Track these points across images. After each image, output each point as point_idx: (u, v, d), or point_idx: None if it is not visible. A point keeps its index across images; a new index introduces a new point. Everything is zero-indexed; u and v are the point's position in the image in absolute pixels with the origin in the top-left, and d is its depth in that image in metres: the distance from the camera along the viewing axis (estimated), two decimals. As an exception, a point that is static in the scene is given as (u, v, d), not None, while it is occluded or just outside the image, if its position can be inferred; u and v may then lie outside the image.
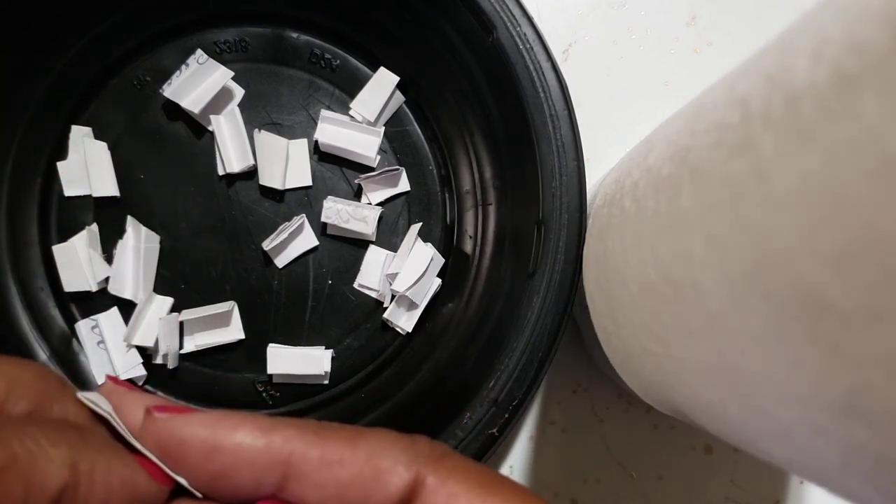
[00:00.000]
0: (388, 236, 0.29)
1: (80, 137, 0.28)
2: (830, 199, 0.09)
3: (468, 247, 0.29)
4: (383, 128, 0.29)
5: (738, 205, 0.11)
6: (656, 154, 0.17)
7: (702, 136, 0.14)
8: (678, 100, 0.25)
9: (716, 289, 0.12)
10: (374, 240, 0.29)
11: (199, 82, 0.28)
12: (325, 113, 0.28)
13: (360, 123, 0.29)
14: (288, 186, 0.28)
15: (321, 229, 0.29)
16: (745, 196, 0.11)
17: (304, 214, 0.28)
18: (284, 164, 0.28)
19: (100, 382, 0.24)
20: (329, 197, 0.28)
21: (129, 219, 0.28)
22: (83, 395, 0.15)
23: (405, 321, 0.28)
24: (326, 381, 0.28)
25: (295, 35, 0.29)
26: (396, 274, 0.27)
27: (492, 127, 0.27)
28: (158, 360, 0.27)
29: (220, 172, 0.28)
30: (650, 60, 0.31)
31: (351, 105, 0.29)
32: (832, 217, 0.09)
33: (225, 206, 0.29)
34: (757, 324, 0.11)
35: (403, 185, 0.29)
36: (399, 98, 0.29)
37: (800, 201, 0.09)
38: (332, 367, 0.28)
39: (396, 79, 0.29)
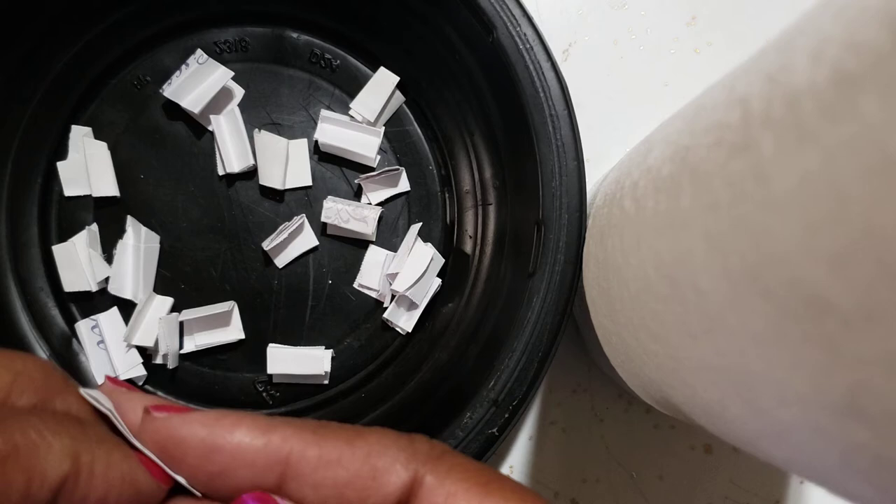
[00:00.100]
0: (388, 236, 0.29)
1: (80, 137, 0.28)
2: (830, 199, 0.09)
3: (468, 247, 0.29)
4: (383, 128, 0.29)
5: (737, 205, 0.11)
6: (656, 154, 0.17)
7: (701, 136, 0.14)
8: (678, 100, 0.25)
9: (716, 289, 0.12)
10: (374, 240, 0.29)
11: (199, 82, 0.28)
12: (325, 113, 0.28)
13: (360, 123, 0.29)
14: (288, 186, 0.28)
15: (321, 229, 0.29)
16: (745, 196, 0.11)
17: (304, 214, 0.28)
18: (284, 164, 0.28)
19: (99, 382, 0.24)
20: (329, 197, 0.28)
21: (129, 219, 0.28)
22: (85, 392, 0.15)
23: (405, 321, 0.28)
24: (326, 381, 0.28)
25: (295, 35, 0.29)
26: (396, 274, 0.27)
27: (492, 127, 0.27)
28: (158, 360, 0.27)
29: (220, 172, 0.28)
30: (650, 60, 0.31)
31: (351, 105, 0.29)
32: (832, 217, 0.09)
33: (225, 206, 0.29)
34: (757, 324, 0.11)
35: (403, 185, 0.29)
36: (399, 98, 0.29)
37: (799, 201, 0.09)
38: (332, 367, 0.28)
39: (396, 79, 0.29)
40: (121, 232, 0.28)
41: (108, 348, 0.27)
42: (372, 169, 0.29)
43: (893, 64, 0.08)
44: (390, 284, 0.28)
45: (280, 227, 0.28)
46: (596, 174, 0.29)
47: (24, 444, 0.12)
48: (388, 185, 0.29)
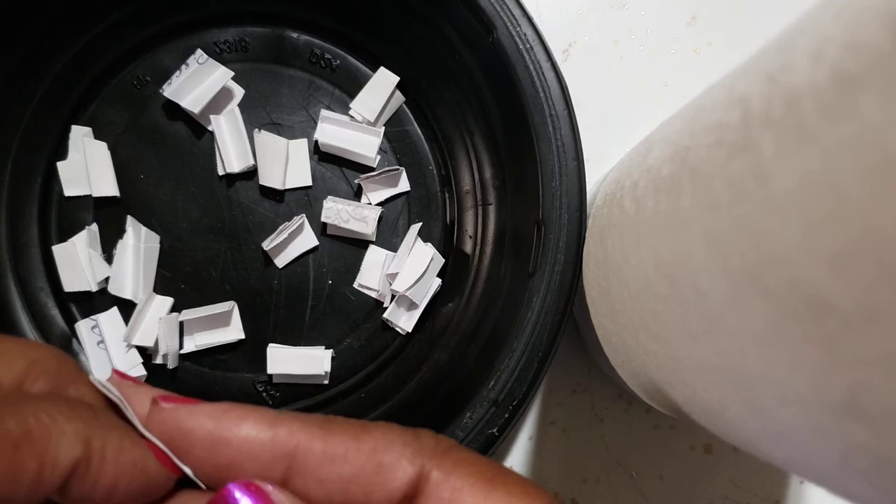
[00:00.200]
0: (388, 236, 0.29)
1: (80, 137, 0.28)
2: (830, 199, 0.09)
3: (468, 247, 0.29)
4: (383, 128, 0.29)
5: (737, 205, 0.11)
6: (656, 154, 0.17)
7: (701, 136, 0.14)
8: (678, 100, 0.25)
9: (716, 289, 0.12)
10: (374, 240, 0.29)
11: (199, 82, 0.28)
12: (325, 113, 0.28)
13: (360, 123, 0.29)
14: (288, 186, 0.28)
15: (321, 229, 0.29)
16: (745, 196, 0.11)
17: (304, 214, 0.28)
18: (284, 164, 0.28)
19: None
20: (329, 197, 0.28)
21: (129, 219, 0.28)
22: (96, 380, 0.15)
23: (405, 321, 0.28)
24: (326, 381, 0.28)
25: (295, 35, 0.29)
26: (396, 274, 0.27)
27: (492, 127, 0.27)
28: (158, 360, 0.27)
29: (220, 172, 0.28)
30: (650, 60, 0.31)
31: (351, 105, 0.29)
32: (832, 217, 0.09)
33: (225, 206, 0.29)
34: (757, 324, 0.11)
35: (403, 185, 0.29)
36: (399, 98, 0.29)
37: (799, 201, 0.09)
38: (332, 367, 0.28)
39: (396, 79, 0.29)
40: (121, 232, 0.28)
41: (108, 348, 0.27)
42: (372, 169, 0.29)
43: (893, 64, 0.08)
44: (390, 284, 0.28)
45: (280, 227, 0.28)
46: (596, 174, 0.29)
47: (37, 429, 0.12)
48: (388, 185, 0.29)
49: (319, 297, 0.29)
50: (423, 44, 0.28)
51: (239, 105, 0.29)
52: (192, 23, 0.29)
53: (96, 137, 0.28)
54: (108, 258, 0.28)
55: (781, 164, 0.10)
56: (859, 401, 0.09)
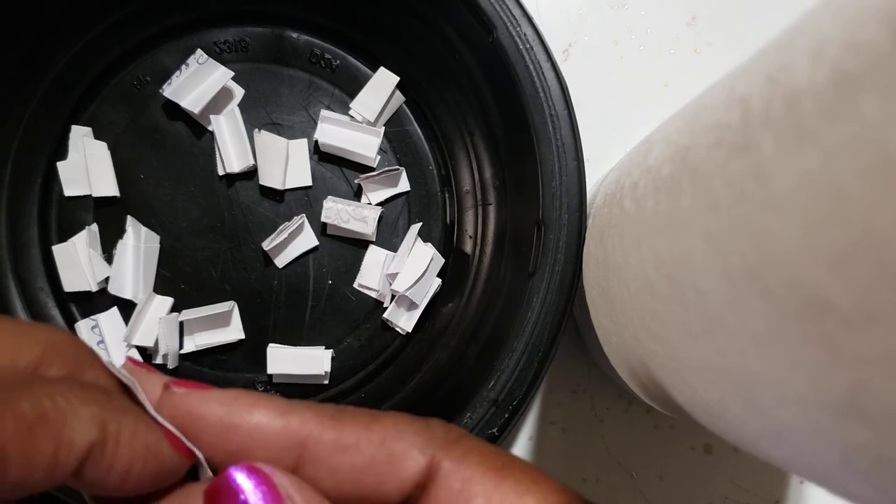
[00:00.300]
0: (388, 236, 0.29)
1: (80, 137, 0.28)
2: (830, 199, 0.09)
3: (468, 247, 0.29)
4: (383, 128, 0.29)
5: (737, 205, 0.11)
6: (656, 154, 0.17)
7: (701, 136, 0.14)
8: (678, 100, 0.25)
9: (716, 289, 0.12)
10: (374, 240, 0.29)
11: (199, 82, 0.28)
12: (325, 113, 0.28)
13: (360, 123, 0.29)
14: (288, 186, 0.28)
15: (321, 229, 0.29)
16: (745, 196, 0.11)
17: (304, 214, 0.28)
18: (284, 164, 0.28)
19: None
20: (329, 197, 0.28)
21: (129, 219, 0.28)
22: (109, 364, 0.15)
23: (405, 321, 0.28)
24: (326, 381, 0.28)
25: (295, 35, 0.29)
26: (396, 274, 0.27)
27: (492, 127, 0.27)
28: (158, 360, 0.27)
29: (220, 172, 0.28)
30: (650, 60, 0.31)
31: (351, 105, 0.29)
32: (832, 217, 0.09)
33: (225, 206, 0.29)
34: (757, 324, 0.11)
35: (403, 185, 0.29)
36: (399, 98, 0.29)
37: (799, 201, 0.09)
38: (332, 367, 0.28)
39: (396, 79, 0.29)
40: (121, 232, 0.28)
41: (108, 348, 0.27)
42: (372, 169, 0.29)
43: (893, 64, 0.08)
44: (390, 284, 0.28)
45: (280, 227, 0.28)
46: (596, 174, 0.29)
47: (52, 412, 0.12)
48: (388, 185, 0.29)
49: (319, 297, 0.29)
50: (423, 44, 0.28)
51: (239, 105, 0.29)
52: (192, 23, 0.29)
53: (96, 137, 0.28)
54: (108, 258, 0.28)
55: (781, 164, 0.10)
56: (859, 401, 0.09)
